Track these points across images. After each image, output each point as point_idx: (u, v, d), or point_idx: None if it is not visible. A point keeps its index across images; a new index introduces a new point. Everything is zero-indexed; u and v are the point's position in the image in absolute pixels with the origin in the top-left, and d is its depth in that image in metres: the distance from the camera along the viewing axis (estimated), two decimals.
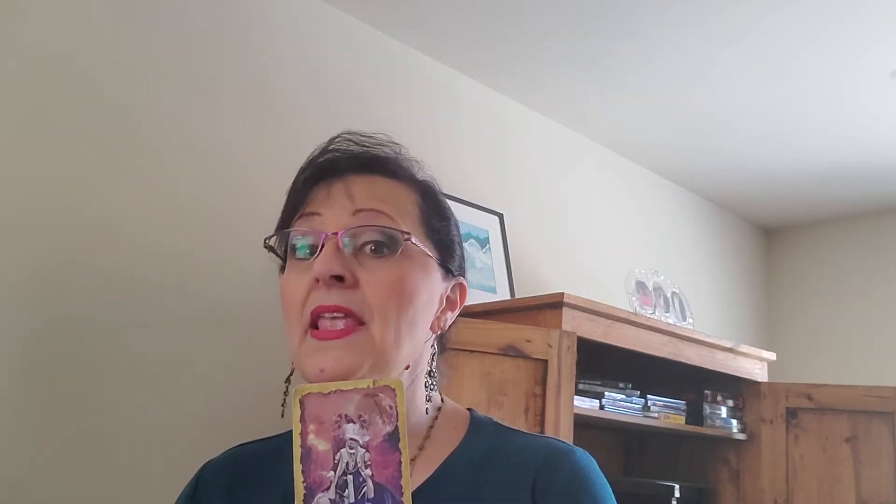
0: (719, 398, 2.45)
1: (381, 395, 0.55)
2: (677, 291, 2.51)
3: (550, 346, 1.78)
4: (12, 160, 1.48)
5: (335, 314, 0.71)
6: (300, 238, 0.76)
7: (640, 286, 2.35)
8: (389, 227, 0.74)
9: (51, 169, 1.52)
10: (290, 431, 0.85)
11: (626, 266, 2.53)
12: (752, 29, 2.05)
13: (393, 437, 0.54)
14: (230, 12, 1.85)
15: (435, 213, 0.81)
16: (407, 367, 0.75)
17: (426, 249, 0.76)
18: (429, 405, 0.80)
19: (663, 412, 2.24)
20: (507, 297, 2.22)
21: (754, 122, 2.60)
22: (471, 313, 1.89)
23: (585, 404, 1.98)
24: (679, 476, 2.53)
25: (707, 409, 2.41)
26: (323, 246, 0.73)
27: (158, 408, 1.59)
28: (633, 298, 2.29)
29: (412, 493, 0.74)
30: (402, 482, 0.53)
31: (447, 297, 0.80)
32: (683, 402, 2.33)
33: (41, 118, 1.53)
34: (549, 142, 2.65)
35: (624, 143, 2.83)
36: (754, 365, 2.53)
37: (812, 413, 2.46)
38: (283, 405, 0.79)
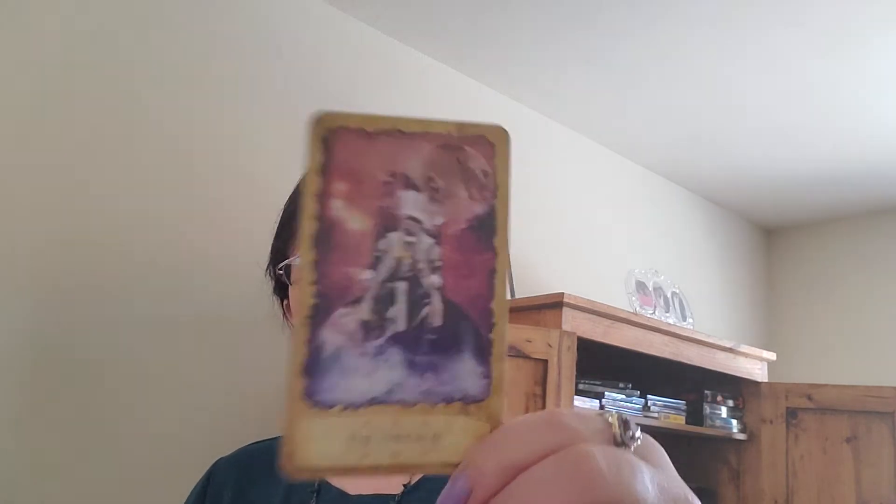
0: (719, 398, 2.45)
1: (468, 149, 0.33)
2: (677, 291, 2.51)
3: (550, 346, 1.78)
4: (13, 160, 1.48)
5: None
6: None
7: (641, 286, 2.35)
8: None
9: (51, 169, 1.52)
10: None
11: (626, 266, 2.53)
12: (753, 29, 2.04)
13: (485, 225, 0.33)
14: (231, 12, 1.85)
15: None
16: None
17: None
18: None
19: (663, 412, 2.24)
20: (507, 297, 2.21)
21: (755, 123, 2.60)
22: None
23: (585, 404, 1.98)
24: (679, 476, 2.53)
25: (707, 409, 2.41)
26: None
27: (158, 408, 1.59)
28: (634, 298, 2.29)
29: (417, 482, 0.74)
30: (494, 305, 0.32)
31: None
32: (683, 402, 2.33)
33: (42, 119, 1.52)
34: (550, 141, 2.65)
35: (624, 143, 2.82)
36: (754, 365, 2.52)
37: (812, 413, 2.46)
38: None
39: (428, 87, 2.29)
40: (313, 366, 0.29)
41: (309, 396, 0.29)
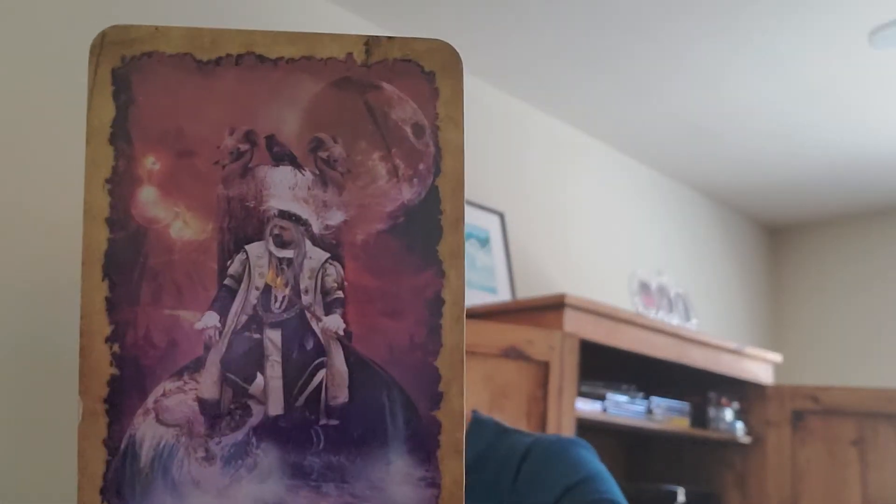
0: (724, 401, 2.43)
1: (387, 87, 0.20)
2: (681, 292, 2.49)
3: (552, 348, 1.76)
4: (12, 160, 1.46)
5: None
6: None
7: (644, 287, 2.33)
8: None
9: (50, 169, 1.51)
10: None
11: (629, 266, 2.51)
12: (757, 28, 2.03)
13: (420, 220, 0.20)
14: (230, 12, 1.84)
15: None
16: None
17: None
18: None
19: (667, 415, 2.22)
20: (509, 298, 2.20)
21: (759, 122, 2.58)
22: (471, 315, 1.87)
23: (588, 407, 1.95)
24: (683, 480, 2.50)
25: (712, 411, 2.39)
26: None
27: None
28: (637, 299, 2.27)
29: None
30: (441, 361, 0.20)
31: None
32: (687, 404, 2.31)
33: (41, 117, 1.51)
34: (552, 140, 2.63)
35: (627, 142, 2.81)
36: (759, 367, 2.50)
37: (818, 416, 2.43)
38: None
39: None
40: (118, 485, 0.16)
41: None
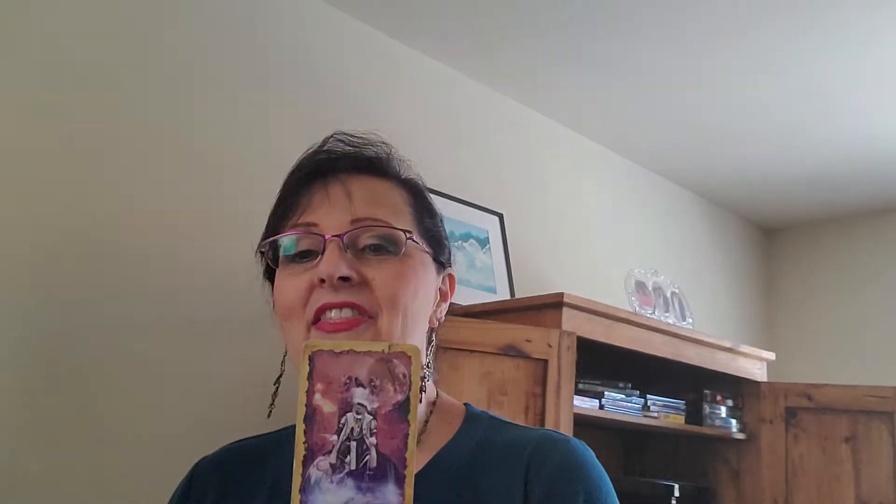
0: (719, 398, 2.45)
1: (395, 361, 0.52)
2: (677, 291, 2.51)
3: (550, 346, 1.78)
4: (11, 161, 1.48)
5: (343, 308, 0.72)
6: (299, 242, 0.75)
7: (640, 286, 2.35)
8: (391, 227, 0.75)
9: (50, 169, 1.52)
10: (285, 428, 0.86)
11: (625, 266, 2.53)
12: (753, 28, 2.05)
13: (403, 408, 0.52)
14: (230, 13, 1.85)
15: (425, 211, 0.82)
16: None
17: (424, 246, 0.78)
18: (422, 395, 0.79)
19: (663, 412, 2.24)
20: (507, 297, 2.22)
21: (754, 122, 2.60)
22: (471, 313, 1.89)
23: (585, 404, 1.98)
24: (679, 476, 2.53)
25: (707, 408, 2.41)
26: (325, 249, 0.73)
27: (158, 408, 1.59)
28: (633, 298, 2.29)
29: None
30: (407, 455, 0.51)
31: (440, 290, 0.83)
32: (683, 401, 2.33)
33: (40, 119, 1.53)
34: (549, 141, 2.65)
35: (624, 143, 2.83)
36: (754, 365, 2.53)
37: (812, 413, 2.46)
38: (270, 406, 0.80)
39: (427, 87, 2.29)
40: (305, 488, 0.51)
41: None
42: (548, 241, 2.56)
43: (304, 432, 0.52)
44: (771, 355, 2.60)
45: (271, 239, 0.78)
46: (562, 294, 1.85)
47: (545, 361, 1.77)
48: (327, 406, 0.52)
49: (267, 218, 0.83)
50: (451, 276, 0.85)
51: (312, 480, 0.51)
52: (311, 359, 0.53)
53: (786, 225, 3.56)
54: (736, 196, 3.26)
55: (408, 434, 0.51)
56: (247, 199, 1.78)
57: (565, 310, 1.85)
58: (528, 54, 2.24)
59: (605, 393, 2.05)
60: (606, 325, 1.97)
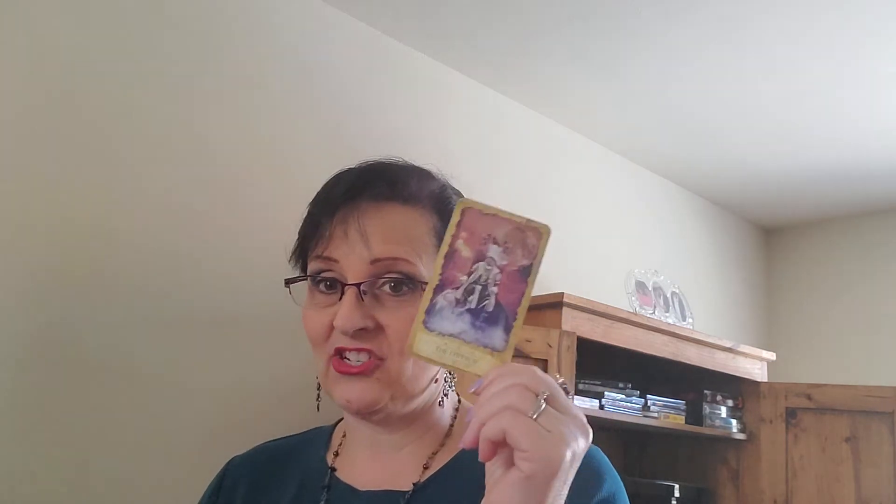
0: (719, 398, 2.45)
1: (528, 232, 0.61)
2: (677, 291, 2.51)
3: (550, 346, 1.78)
4: (10, 162, 1.48)
5: (360, 352, 0.75)
6: (323, 273, 0.78)
7: (640, 286, 2.35)
8: (406, 276, 0.75)
9: (50, 170, 1.52)
10: (315, 429, 0.92)
11: (625, 266, 2.53)
12: (753, 28, 2.05)
13: (525, 271, 0.60)
14: (230, 13, 1.85)
15: None
16: (435, 381, 0.80)
17: None
18: (445, 399, 0.83)
19: (663, 412, 2.24)
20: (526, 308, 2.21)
21: (754, 122, 2.60)
22: None
23: (585, 404, 1.98)
24: (679, 476, 2.53)
25: (707, 408, 2.41)
26: (343, 292, 0.75)
27: (158, 409, 1.59)
28: (633, 298, 2.29)
29: (426, 481, 0.78)
30: (519, 310, 0.59)
31: None
32: (683, 401, 2.33)
33: (39, 120, 1.52)
34: (549, 142, 2.65)
35: (623, 143, 2.83)
36: (754, 365, 2.53)
37: (812, 413, 2.46)
38: (317, 400, 0.85)
39: (427, 87, 2.29)
40: (430, 310, 0.59)
41: (425, 323, 0.59)
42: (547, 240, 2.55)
43: (442, 266, 0.60)
44: (771, 355, 2.60)
45: (300, 276, 0.82)
46: (562, 294, 1.85)
47: (545, 361, 1.77)
48: (465, 251, 0.60)
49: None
50: None
51: (437, 307, 0.59)
52: (462, 212, 0.61)
53: (786, 225, 3.56)
54: (736, 196, 3.26)
55: (524, 293, 0.59)
56: (247, 199, 1.78)
57: (565, 310, 1.85)
58: (528, 53, 2.24)
59: (605, 393, 2.05)
60: (606, 325, 1.97)
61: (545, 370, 1.76)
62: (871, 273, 3.28)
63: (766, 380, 2.55)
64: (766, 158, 2.87)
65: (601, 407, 2.03)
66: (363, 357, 0.74)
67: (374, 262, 0.75)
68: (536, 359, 1.77)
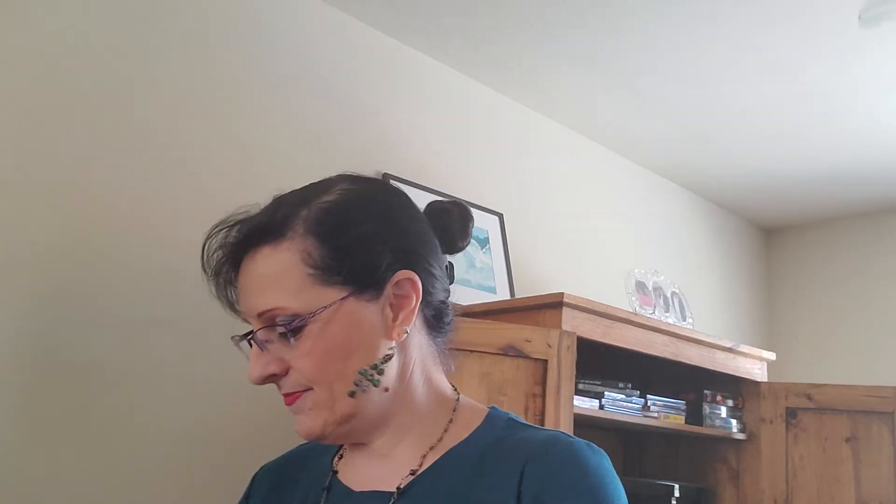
0: (719, 398, 2.45)
1: None
2: (677, 291, 2.51)
3: (550, 346, 1.78)
4: (13, 159, 1.48)
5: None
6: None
7: (640, 286, 2.35)
8: (283, 325, 0.75)
9: (52, 168, 1.52)
10: None
11: (625, 266, 2.53)
12: (753, 29, 2.05)
13: None
14: (230, 13, 1.85)
15: (335, 246, 0.76)
16: (386, 390, 0.78)
17: (334, 300, 0.75)
18: (424, 389, 0.81)
19: (663, 412, 2.24)
20: (507, 297, 2.22)
21: (755, 122, 2.60)
22: (471, 313, 1.89)
23: (585, 404, 1.98)
24: (679, 476, 2.53)
25: (707, 408, 2.41)
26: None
27: (158, 408, 1.59)
28: (633, 298, 2.29)
29: (414, 480, 0.77)
30: None
31: (392, 304, 0.78)
32: (683, 402, 2.32)
33: (42, 115, 1.53)
34: (550, 141, 2.65)
35: (624, 143, 2.83)
36: (754, 365, 2.53)
37: (812, 413, 2.46)
38: None
39: (426, 87, 2.29)
40: None
41: None
42: (548, 241, 2.56)
43: None
44: (771, 355, 2.59)
45: (235, 337, 0.86)
46: (562, 294, 1.85)
47: (545, 361, 1.77)
48: None
49: None
50: (407, 279, 0.78)
51: None
52: None
53: (786, 225, 3.56)
54: (737, 196, 3.26)
55: None
56: (247, 199, 1.78)
57: (565, 310, 1.85)
58: (528, 53, 2.24)
59: (605, 393, 2.05)
60: (606, 325, 1.96)
61: (545, 370, 1.77)
62: (871, 273, 3.28)
63: (766, 380, 2.55)
64: (766, 159, 2.87)
65: (601, 407, 2.02)
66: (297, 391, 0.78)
67: (259, 315, 0.77)
68: (536, 359, 1.77)
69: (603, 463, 0.74)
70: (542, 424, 1.73)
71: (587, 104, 2.54)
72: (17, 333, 1.43)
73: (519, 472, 0.73)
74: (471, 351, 1.70)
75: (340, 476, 0.84)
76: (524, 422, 0.82)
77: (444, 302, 0.83)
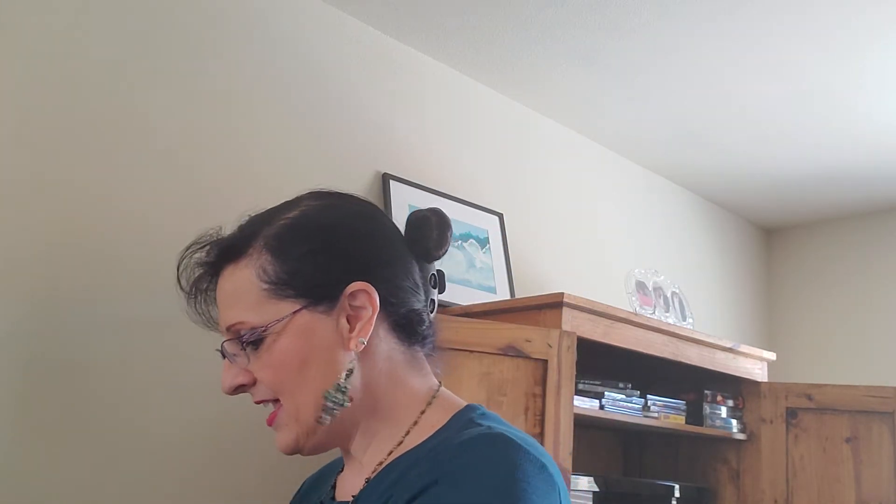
0: (719, 398, 2.45)
1: None
2: (677, 291, 2.51)
3: (550, 346, 1.78)
4: (14, 159, 1.48)
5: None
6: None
7: (640, 286, 2.35)
8: (242, 338, 0.79)
9: (52, 167, 1.52)
10: None
11: (626, 266, 2.53)
12: (753, 28, 2.05)
13: None
14: (230, 13, 1.85)
15: (286, 261, 0.78)
16: (350, 400, 0.78)
17: (287, 313, 0.77)
18: (398, 391, 0.82)
19: (663, 412, 2.24)
20: (507, 297, 2.22)
21: (755, 122, 2.60)
22: (470, 313, 1.89)
23: (585, 404, 1.98)
24: (679, 476, 2.53)
25: (707, 409, 2.41)
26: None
27: (158, 408, 1.59)
28: (633, 298, 2.29)
29: (364, 488, 0.78)
30: None
31: (349, 316, 0.79)
32: (683, 402, 2.32)
33: (42, 114, 1.52)
34: (550, 141, 2.65)
35: (624, 143, 2.83)
36: (754, 365, 2.52)
37: (812, 413, 2.46)
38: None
39: (426, 87, 2.29)
40: None
41: None
42: (548, 241, 2.55)
43: None
44: (771, 355, 2.59)
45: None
46: (562, 294, 1.85)
47: (545, 361, 1.77)
48: None
49: None
50: (362, 290, 0.78)
51: None
52: None
53: (786, 225, 3.56)
54: (737, 196, 3.26)
55: None
56: (247, 198, 1.78)
57: (565, 310, 1.84)
58: (528, 53, 2.24)
59: (605, 393, 2.05)
60: (606, 325, 1.96)
61: (545, 370, 1.77)
62: (872, 273, 3.28)
63: (766, 380, 2.54)
64: (766, 159, 2.87)
65: (601, 407, 2.02)
66: (271, 406, 0.81)
67: (227, 329, 0.80)
68: (536, 359, 1.77)
69: (494, 455, 0.67)
70: (543, 425, 1.72)
71: (587, 104, 2.53)
72: (16, 333, 1.43)
73: (426, 468, 0.70)
74: (471, 351, 1.70)
75: (338, 487, 0.86)
76: (487, 421, 0.76)
77: (415, 310, 0.82)
